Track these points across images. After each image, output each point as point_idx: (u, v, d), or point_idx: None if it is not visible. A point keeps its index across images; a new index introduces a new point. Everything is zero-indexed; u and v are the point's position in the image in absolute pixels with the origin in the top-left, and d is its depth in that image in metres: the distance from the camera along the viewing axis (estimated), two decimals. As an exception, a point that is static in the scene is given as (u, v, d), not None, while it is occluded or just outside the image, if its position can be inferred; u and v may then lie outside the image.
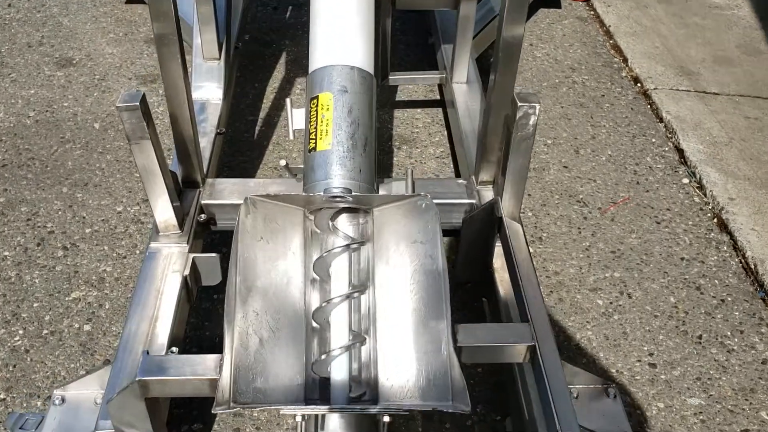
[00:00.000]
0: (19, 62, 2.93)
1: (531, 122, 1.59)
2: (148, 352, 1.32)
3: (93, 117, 2.64)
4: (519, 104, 1.56)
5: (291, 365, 1.46)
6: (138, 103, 1.52)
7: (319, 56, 1.73)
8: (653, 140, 2.66)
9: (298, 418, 1.25)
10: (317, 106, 1.68)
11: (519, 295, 1.43)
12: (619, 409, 1.55)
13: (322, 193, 1.56)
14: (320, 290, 1.54)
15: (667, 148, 2.63)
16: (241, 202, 1.63)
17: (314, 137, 1.65)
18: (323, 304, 1.45)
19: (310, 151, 1.66)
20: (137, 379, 1.27)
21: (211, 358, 1.32)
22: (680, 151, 2.60)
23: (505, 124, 1.67)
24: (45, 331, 1.92)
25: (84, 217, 2.24)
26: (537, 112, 1.58)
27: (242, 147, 2.56)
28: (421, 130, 2.67)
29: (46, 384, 1.80)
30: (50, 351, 1.87)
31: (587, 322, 1.99)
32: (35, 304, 1.99)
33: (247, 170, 2.46)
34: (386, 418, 1.27)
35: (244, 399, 1.35)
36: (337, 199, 1.52)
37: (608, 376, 1.85)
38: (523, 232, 1.67)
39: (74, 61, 2.94)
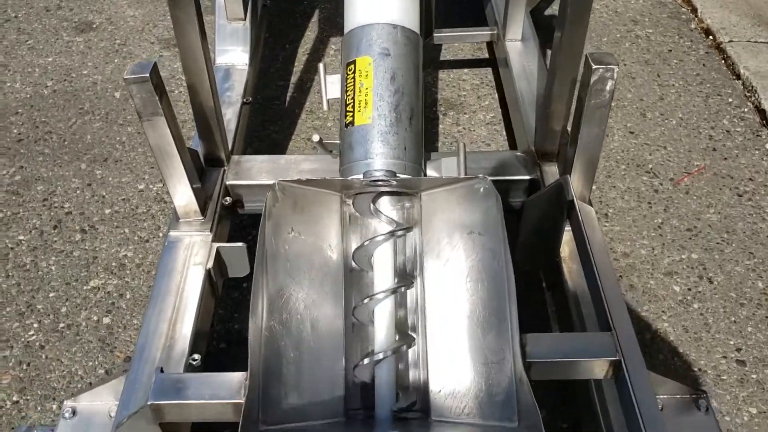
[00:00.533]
0: (37, 28, 2.74)
1: (608, 87, 1.34)
2: (162, 370, 1.13)
3: (113, 86, 2.45)
4: (594, 67, 1.31)
5: (329, 374, 1.27)
6: (148, 75, 1.31)
7: (355, 13, 1.50)
8: (730, 100, 2.37)
9: (338, 452, 1.06)
10: (354, 72, 1.45)
11: (597, 298, 1.20)
12: (712, 424, 1.33)
13: (361, 176, 1.35)
14: (361, 285, 1.34)
15: (746, 109, 2.33)
16: (271, 182, 1.43)
17: (351, 110, 1.43)
18: (365, 300, 1.25)
19: (347, 125, 1.43)
20: (149, 403, 1.09)
21: (236, 378, 1.13)
22: (761, 112, 2.30)
23: (576, 89, 1.42)
24: (61, 325, 1.76)
25: (103, 197, 2.06)
26: (615, 75, 1.33)
27: (272, 116, 2.35)
28: (468, 93, 2.42)
29: (62, 384, 1.65)
30: (67, 347, 1.71)
31: (663, 311, 1.76)
32: (51, 294, 1.82)
33: (278, 142, 2.25)
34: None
35: (275, 418, 1.16)
36: (379, 183, 1.30)
37: (690, 377, 1.62)
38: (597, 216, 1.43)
39: (94, 26, 2.74)
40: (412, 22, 1.51)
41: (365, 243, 1.29)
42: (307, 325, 1.26)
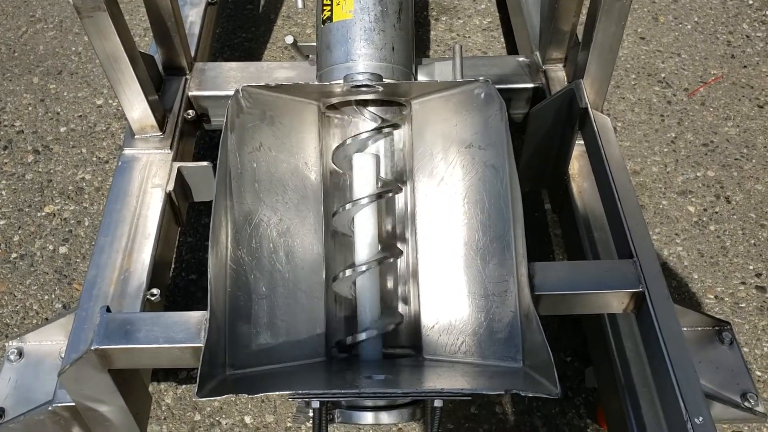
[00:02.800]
0: (-20, -75, 2.45)
1: (631, -26, 1.14)
2: (109, 309, 0.96)
3: (67, -11, 2.20)
4: (616, -53, 1.10)
5: (307, 309, 1.11)
6: (84, -40, 1.09)
7: None
8: (750, 2, 2.15)
9: (315, 405, 0.91)
10: (332, -41, 1.24)
11: (616, 221, 1.03)
12: (736, 358, 1.19)
13: (341, 81, 1.15)
14: (342, 190, 1.16)
15: (767, 12, 2.12)
16: (239, 92, 1.24)
17: (329, 3, 1.23)
18: (346, 206, 1.07)
19: (324, 22, 1.23)
20: (93, 348, 0.92)
21: (194, 318, 0.96)
22: (784, 15, 2.10)
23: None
24: (14, 255, 1.59)
25: (58, 113, 1.85)
26: (641, -42, 1.12)
27: (244, 21, 2.12)
28: (462, -3, 2.19)
29: (15, 321, 1.49)
30: (20, 279, 1.54)
31: (676, 234, 1.60)
32: (2, 222, 1.64)
33: (252, 51, 2.03)
34: (438, 403, 0.91)
35: (244, 362, 1.01)
36: (363, 88, 1.11)
37: (706, 305, 1.48)
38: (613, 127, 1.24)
39: None
40: None
41: (347, 141, 1.11)
42: (281, 255, 1.09)
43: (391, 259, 1.10)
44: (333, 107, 1.19)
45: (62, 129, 1.81)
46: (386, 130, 1.15)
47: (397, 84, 1.14)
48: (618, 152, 1.17)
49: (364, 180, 1.09)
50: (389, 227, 1.17)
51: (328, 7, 1.22)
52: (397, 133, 1.20)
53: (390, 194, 1.12)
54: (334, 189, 1.18)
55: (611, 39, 1.23)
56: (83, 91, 1.90)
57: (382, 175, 1.16)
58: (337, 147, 1.12)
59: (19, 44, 2.04)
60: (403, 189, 1.17)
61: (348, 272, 1.05)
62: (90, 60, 1.97)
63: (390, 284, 1.15)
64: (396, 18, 1.22)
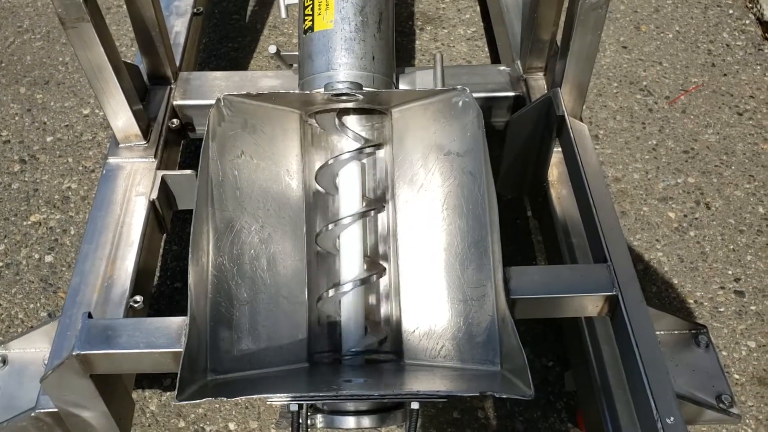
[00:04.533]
0: (-32, -64, 2.47)
1: (605, -16, 1.16)
2: (90, 315, 0.97)
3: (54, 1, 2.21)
4: (590, -42, 1.12)
5: (290, 315, 1.12)
6: (68, -29, 1.11)
7: None
8: (730, 11, 2.19)
9: (294, 408, 0.92)
10: (314, -30, 1.26)
11: (591, 226, 1.05)
12: (712, 361, 1.20)
13: (322, 90, 1.17)
14: (325, 213, 1.18)
15: (747, 21, 2.15)
16: (222, 101, 1.26)
17: (310, 12, 1.24)
18: (330, 226, 1.09)
19: (305, 31, 1.25)
20: (74, 353, 0.93)
21: (175, 323, 0.97)
22: (764, 24, 2.12)
23: (567, -12, 1.24)
24: (0, 264, 1.59)
25: (45, 123, 1.87)
26: (615, -32, 1.14)
27: (231, 31, 2.14)
28: (448, 6, 2.21)
29: (0, 329, 1.49)
30: (5, 288, 1.55)
31: (657, 240, 1.62)
32: (-12, 231, 1.65)
33: (237, 60, 2.05)
34: (415, 405, 0.93)
35: (225, 367, 1.02)
36: (343, 97, 1.12)
37: (686, 309, 1.50)
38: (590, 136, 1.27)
39: (32, -66, 2.47)
40: None
41: (330, 161, 1.13)
42: (263, 261, 1.10)
43: (375, 278, 1.11)
44: (316, 115, 1.20)
45: (49, 138, 1.83)
46: (368, 150, 1.16)
47: (376, 92, 1.15)
48: (594, 159, 1.19)
49: (347, 200, 1.10)
50: (371, 235, 1.19)
51: (310, 17, 1.24)
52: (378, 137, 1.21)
53: (373, 213, 1.13)
54: (316, 199, 1.19)
55: (588, 47, 1.25)
56: (70, 101, 1.91)
57: (366, 188, 1.17)
58: (321, 167, 1.14)
59: (6, 54, 2.05)
60: (385, 197, 1.18)
61: (331, 292, 1.07)
62: (77, 70, 1.99)
63: (373, 299, 1.16)
64: (376, 28, 1.24)
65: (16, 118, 1.88)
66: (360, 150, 1.13)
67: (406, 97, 1.15)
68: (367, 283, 1.10)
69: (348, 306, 1.09)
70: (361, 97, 1.12)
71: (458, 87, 1.09)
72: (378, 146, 1.18)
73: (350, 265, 1.10)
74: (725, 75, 1.98)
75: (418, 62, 2.05)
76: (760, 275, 1.56)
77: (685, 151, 1.79)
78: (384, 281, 1.16)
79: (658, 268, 1.57)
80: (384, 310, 1.16)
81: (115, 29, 2.11)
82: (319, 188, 1.18)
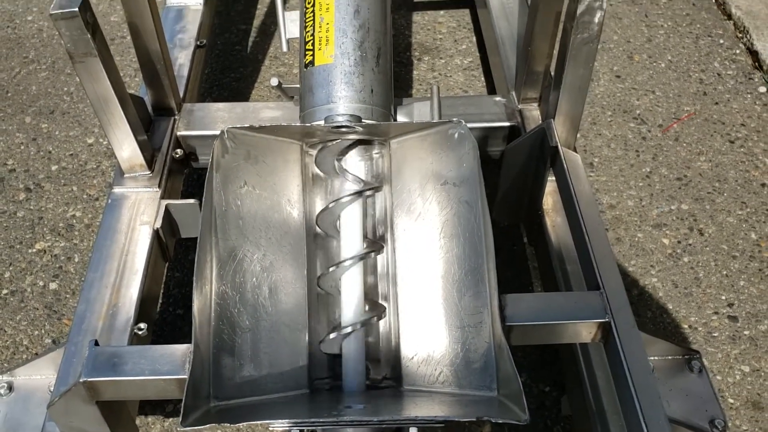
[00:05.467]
0: (-24, -31, 2.53)
1: (596, 19, 1.20)
2: (97, 343, 1.00)
3: (60, 32, 2.26)
4: (581, -5, 1.16)
5: (291, 342, 1.14)
6: (77, 9, 1.15)
7: (314, -60, 1.33)
8: (721, 41, 2.24)
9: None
10: (314, 5, 1.30)
11: (584, 253, 1.08)
12: (705, 386, 1.23)
13: (323, 122, 1.20)
14: (326, 247, 1.21)
15: (737, 51, 2.20)
16: (226, 132, 1.29)
17: (311, 48, 1.28)
18: (331, 269, 1.12)
19: (306, 66, 1.29)
20: (82, 380, 0.96)
21: (180, 351, 1.00)
22: (754, 54, 2.17)
23: (559, 25, 1.28)
24: (5, 291, 1.62)
25: (50, 152, 1.90)
26: (605, 5, 1.19)
27: (233, 62, 2.18)
28: (445, 37, 2.26)
29: (5, 356, 1.51)
30: (10, 315, 1.57)
31: (651, 266, 1.65)
32: (-7, 259, 1.68)
33: (239, 90, 2.09)
34: (413, 431, 0.95)
35: (228, 393, 1.04)
36: (343, 129, 1.16)
37: (680, 334, 1.53)
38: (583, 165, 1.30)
39: (38, -33, 2.53)
40: (379, -50, 1.35)
41: (330, 205, 1.15)
42: (265, 289, 1.13)
43: (375, 319, 1.13)
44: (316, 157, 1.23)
45: (54, 167, 1.86)
46: (368, 192, 1.18)
47: (375, 125, 1.19)
48: (588, 188, 1.22)
49: (348, 243, 1.13)
50: (371, 273, 1.20)
51: (310, 52, 1.28)
52: (377, 167, 1.24)
53: (373, 255, 1.16)
54: (317, 239, 1.21)
55: (580, 80, 1.29)
56: (74, 130, 1.95)
57: (366, 227, 1.20)
58: (321, 211, 1.16)
59: (12, 85, 2.09)
60: (384, 235, 1.21)
61: (333, 335, 1.09)
62: (81, 100, 2.03)
63: (373, 336, 1.18)
64: (375, 62, 1.28)
65: (22, 147, 1.91)
66: (359, 193, 1.16)
67: (404, 129, 1.18)
68: (367, 325, 1.13)
69: (349, 347, 1.11)
70: (360, 129, 1.16)
71: (454, 120, 1.12)
72: (377, 188, 1.20)
73: (351, 307, 1.12)
74: (717, 103, 2.02)
75: (415, 92, 2.09)
76: (753, 300, 1.58)
77: (679, 179, 1.82)
78: (384, 320, 1.18)
79: (653, 293, 1.60)
80: (384, 347, 1.18)
81: (119, 59, 2.16)
82: (320, 231, 1.21)
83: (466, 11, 2.34)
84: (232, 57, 2.20)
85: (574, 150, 1.35)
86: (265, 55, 2.21)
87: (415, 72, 2.15)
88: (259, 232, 1.15)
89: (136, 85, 2.06)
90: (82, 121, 1.98)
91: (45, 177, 1.84)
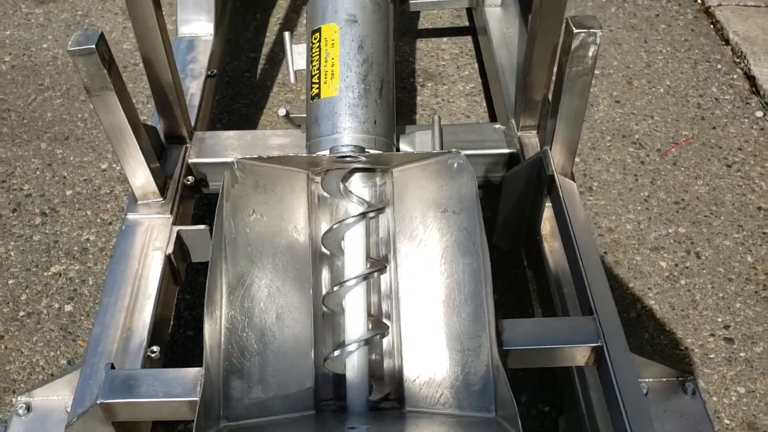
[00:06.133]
0: (-6, -1, 2.61)
1: (590, 53, 1.25)
2: (113, 366, 1.05)
3: (74, 59, 2.33)
4: (575, 31, 1.22)
5: (297, 365, 1.19)
6: (94, 46, 1.20)
7: (320, -22, 1.40)
8: (719, 67, 2.29)
9: (302, 453, 0.99)
10: (320, 41, 1.36)
11: (578, 280, 1.13)
12: (699, 408, 1.27)
13: (328, 152, 1.26)
14: (331, 269, 1.26)
15: (735, 76, 2.25)
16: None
17: (317, 81, 1.34)
18: (335, 288, 1.17)
19: (312, 98, 1.34)
20: (98, 402, 1.01)
21: (191, 373, 1.05)
22: (751, 79, 2.22)
23: (557, 56, 1.34)
24: (21, 313, 1.67)
25: (64, 177, 1.96)
26: (598, 40, 1.24)
27: (242, 89, 2.24)
28: (447, 63, 2.32)
29: (22, 376, 1.56)
30: (27, 336, 1.63)
31: (649, 288, 1.69)
32: (10, 281, 1.73)
33: (249, 116, 2.15)
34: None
35: (238, 414, 1.09)
36: (347, 159, 1.21)
37: (677, 356, 1.56)
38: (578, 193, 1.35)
39: (54, -4, 2.61)
40: (382, -14, 1.41)
41: (334, 226, 1.20)
42: (272, 314, 1.18)
43: (378, 337, 1.18)
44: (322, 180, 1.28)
45: (68, 192, 1.92)
46: (371, 214, 1.24)
47: (378, 155, 1.24)
48: (583, 215, 1.27)
49: (352, 262, 1.18)
50: (374, 293, 1.25)
51: (317, 85, 1.34)
52: (380, 193, 1.29)
53: (376, 274, 1.21)
54: (323, 259, 1.27)
55: (576, 110, 1.34)
56: (89, 156, 2.01)
57: (369, 246, 1.25)
58: (326, 231, 1.21)
59: (28, 111, 2.16)
60: (387, 256, 1.26)
61: (337, 353, 1.14)
62: (95, 126, 2.09)
63: (376, 355, 1.22)
64: (378, 94, 1.33)
65: (38, 173, 1.97)
66: (363, 214, 1.21)
67: (405, 159, 1.24)
68: (370, 343, 1.17)
69: (353, 365, 1.16)
70: (363, 159, 1.21)
71: (453, 150, 1.18)
72: (380, 210, 1.25)
73: (355, 325, 1.18)
74: (714, 128, 2.07)
75: (419, 117, 2.15)
76: (749, 323, 1.62)
77: (676, 202, 1.87)
78: (387, 338, 1.23)
79: (651, 315, 1.64)
80: (387, 365, 1.22)
81: (132, 86, 2.22)
82: (325, 251, 1.26)
83: (468, 38, 2.40)
84: (242, 84, 2.26)
85: (572, 176, 1.40)
86: (274, 81, 2.27)
87: (418, 98, 2.21)
88: (266, 258, 1.20)
89: (148, 111, 2.12)
90: (96, 146, 2.04)
91: (60, 202, 1.90)
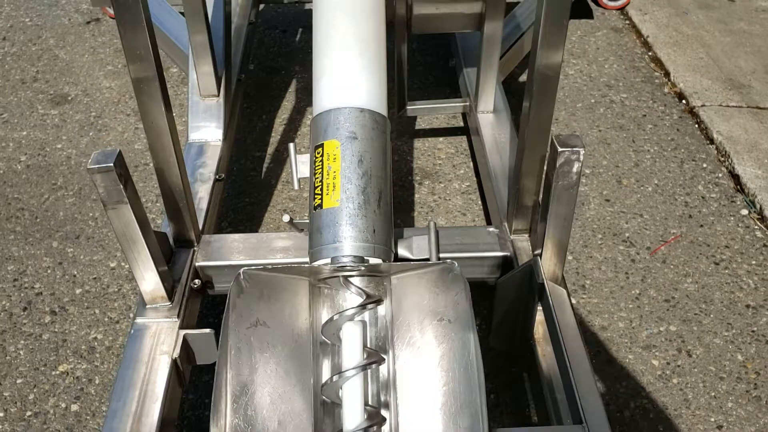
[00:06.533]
0: (12, 101, 2.74)
1: (575, 169, 1.34)
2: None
3: (87, 160, 2.42)
4: (560, 149, 1.31)
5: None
6: (113, 164, 1.29)
7: (323, 98, 1.50)
8: (704, 165, 2.39)
9: None
10: (322, 155, 1.45)
11: (568, 387, 1.18)
12: None
13: (329, 261, 1.33)
14: (332, 358, 1.31)
15: (720, 174, 2.35)
16: (241, 262, 1.41)
17: (320, 192, 1.42)
18: (334, 378, 1.21)
19: (315, 208, 1.42)
20: None
21: (195, 482, 1.08)
22: (735, 177, 2.32)
23: (544, 170, 1.42)
24: (28, 413, 1.70)
25: (74, 276, 2.03)
26: (581, 157, 1.33)
27: (248, 187, 2.34)
28: (444, 162, 2.43)
29: (26, 477, 1.59)
30: (32, 437, 1.66)
31: (642, 387, 1.73)
32: (19, 381, 1.77)
33: (253, 214, 2.23)
34: None
35: None
36: (347, 268, 1.28)
37: (672, 456, 1.59)
38: (569, 298, 1.41)
39: (69, 98, 2.75)
40: (379, 105, 1.51)
41: (334, 317, 1.26)
42: (274, 421, 1.22)
43: (375, 428, 1.22)
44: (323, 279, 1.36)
45: (78, 291, 1.98)
46: (370, 306, 1.31)
47: (377, 265, 1.31)
48: (572, 321, 1.32)
49: (351, 353, 1.24)
50: (373, 391, 1.31)
51: (319, 196, 1.42)
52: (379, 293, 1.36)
53: (374, 365, 1.26)
54: (324, 356, 1.33)
55: (564, 220, 1.42)
56: (98, 255, 2.09)
57: (367, 340, 1.31)
58: (326, 322, 1.28)
59: (41, 210, 2.25)
60: (385, 349, 1.32)
61: None
62: (105, 225, 2.17)
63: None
64: (377, 204, 1.41)
65: (48, 271, 2.04)
66: (362, 306, 1.27)
67: (403, 269, 1.30)
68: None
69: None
70: (363, 268, 1.28)
71: (448, 261, 1.24)
72: (378, 302, 1.32)
73: (352, 415, 1.21)
74: (702, 226, 2.15)
75: (417, 213, 2.23)
76: (741, 423, 1.65)
77: (667, 300, 1.92)
78: (385, 428, 1.27)
79: (644, 414, 1.67)
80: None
81: (142, 185, 2.32)
82: (325, 340, 1.31)
83: (463, 138, 2.52)
84: (248, 182, 2.36)
85: (563, 280, 1.47)
86: (278, 180, 2.37)
87: (416, 195, 2.30)
88: (269, 365, 1.25)
89: (157, 209, 2.21)
90: (105, 245, 2.11)
91: (69, 300, 1.96)
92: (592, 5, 3.30)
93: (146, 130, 1.48)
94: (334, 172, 1.42)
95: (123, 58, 2.86)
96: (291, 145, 1.58)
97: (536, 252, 1.53)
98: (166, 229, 1.67)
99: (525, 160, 1.56)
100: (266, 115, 2.67)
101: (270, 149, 2.51)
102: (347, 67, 1.52)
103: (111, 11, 3.07)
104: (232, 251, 1.67)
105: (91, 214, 2.23)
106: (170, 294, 1.53)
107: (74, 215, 2.23)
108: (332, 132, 1.46)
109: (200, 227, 1.72)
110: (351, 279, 1.33)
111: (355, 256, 1.32)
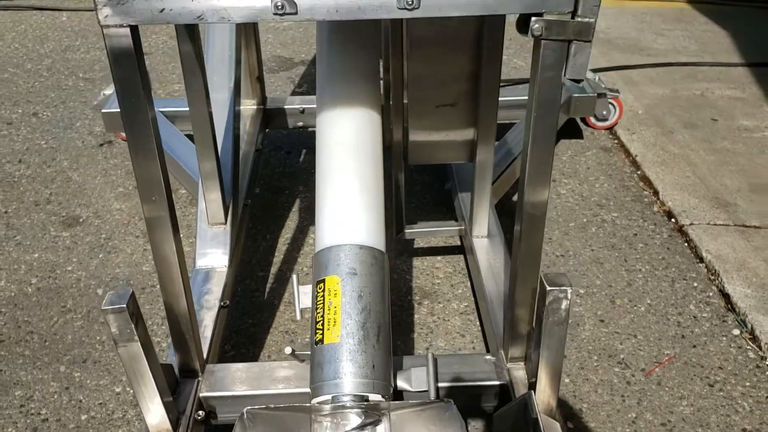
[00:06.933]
0: (26, 223, 2.85)
1: (563, 307, 1.41)
2: None
3: (96, 282, 2.52)
4: (548, 288, 1.38)
5: None
6: (125, 305, 1.37)
7: (324, 236, 1.60)
8: (695, 284, 2.46)
9: None
10: (324, 291, 1.53)
11: None
12: None
13: (330, 399, 1.38)
14: None
15: (711, 293, 2.41)
16: (244, 393, 1.47)
17: (321, 327, 1.49)
18: None
19: (317, 343, 1.49)
20: None
21: None
22: (726, 296, 2.38)
23: (535, 304, 1.49)
24: None
25: (80, 401, 2.06)
26: (569, 295, 1.40)
27: (251, 308, 2.40)
28: (442, 282, 2.50)
29: None
30: None
31: None
32: None
33: (256, 335, 2.29)
34: None
35: None
36: (348, 407, 1.34)
37: None
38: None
39: (81, 220, 2.86)
40: (378, 241, 1.60)
41: None
42: None
43: None
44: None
45: (83, 417, 2.01)
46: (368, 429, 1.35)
47: (377, 404, 1.36)
48: (567, 457, 1.36)
49: None
50: None
51: (320, 332, 1.49)
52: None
53: None
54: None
55: (555, 354, 1.48)
56: (104, 379, 2.13)
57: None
58: None
59: (50, 334, 2.30)
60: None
61: None
62: (111, 349, 2.22)
63: None
64: (376, 339, 1.48)
65: (55, 397, 2.08)
66: (361, 427, 1.32)
67: (402, 407, 1.36)
68: None
69: None
70: (363, 407, 1.34)
71: (444, 400, 1.30)
72: (377, 421, 1.36)
73: None
74: (695, 346, 2.20)
75: (416, 335, 2.28)
76: None
77: (663, 424, 1.95)
78: None
79: None
80: None
81: (149, 308, 2.38)
82: None
83: (461, 257, 2.60)
84: (251, 303, 2.42)
85: (556, 416, 1.51)
86: (281, 300, 2.44)
87: (416, 316, 2.35)
88: (271, 504, 1.28)
89: (162, 332, 2.27)
90: (112, 369, 2.16)
91: (75, 427, 1.98)
92: (582, 125, 3.46)
93: (156, 263, 1.57)
94: (335, 307, 1.50)
95: (133, 180, 2.99)
96: (294, 276, 1.67)
97: (531, 380, 1.57)
98: (171, 357, 1.73)
99: (517, 290, 1.63)
100: (270, 235, 2.77)
101: (273, 269, 2.59)
102: (347, 205, 1.63)
103: (123, 134, 3.23)
104: (236, 381, 1.72)
105: (98, 338, 2.28)
106: (175, 426, 1.57)
107: (82, 338, 2.28)
108: (333, 268, 1.54)
109: (205, 356, 1.78)
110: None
111: (355, 395, 1.38)
